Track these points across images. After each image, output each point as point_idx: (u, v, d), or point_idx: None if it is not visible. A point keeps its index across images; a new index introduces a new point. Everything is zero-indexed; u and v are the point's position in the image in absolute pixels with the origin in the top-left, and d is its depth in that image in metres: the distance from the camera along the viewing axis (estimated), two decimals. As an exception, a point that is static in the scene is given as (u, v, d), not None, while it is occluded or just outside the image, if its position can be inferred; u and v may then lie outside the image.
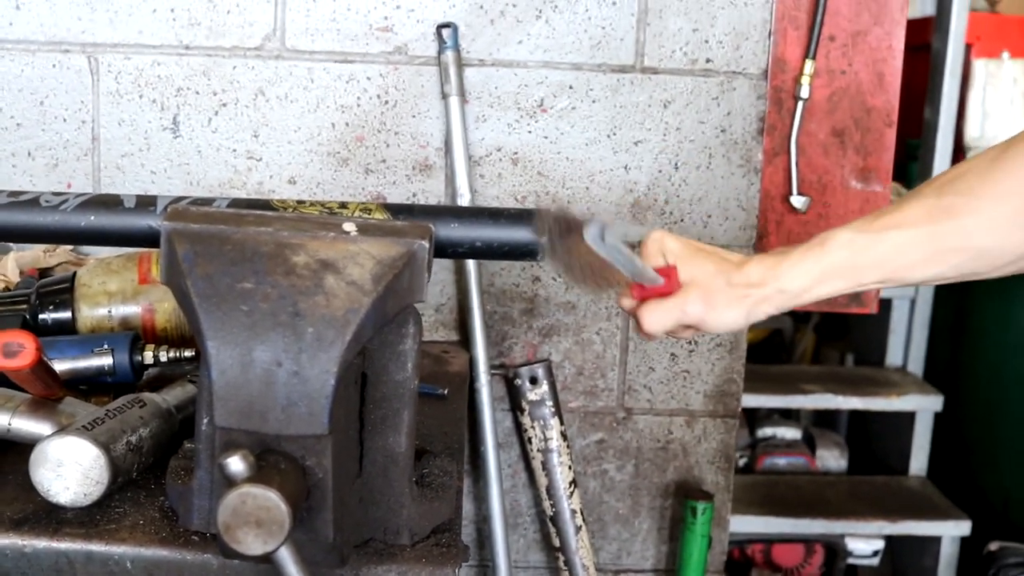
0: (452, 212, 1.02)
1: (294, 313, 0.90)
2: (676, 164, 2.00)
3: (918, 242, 1.14)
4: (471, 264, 1.96)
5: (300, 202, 1.03)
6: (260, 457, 0.88)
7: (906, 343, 3.37)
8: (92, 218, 1.03)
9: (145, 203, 1.04)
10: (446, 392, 1.62)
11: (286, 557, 0.87)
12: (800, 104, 2.04)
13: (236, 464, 0.84)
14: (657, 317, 1.21)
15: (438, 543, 1.08)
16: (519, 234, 1.01)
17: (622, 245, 1.16)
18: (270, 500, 0.83)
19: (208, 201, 1.04)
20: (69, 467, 1.08)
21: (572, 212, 1.11)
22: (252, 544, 0.84)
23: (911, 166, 3.75)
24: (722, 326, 1.22)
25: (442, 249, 1.01)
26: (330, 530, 0.93)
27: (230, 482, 0.84)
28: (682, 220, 2.02)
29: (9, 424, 1.19)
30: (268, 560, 0.88)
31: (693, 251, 1.24)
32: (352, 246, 0.94)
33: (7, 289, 1.73)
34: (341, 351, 0.89)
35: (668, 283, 1.21)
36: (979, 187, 1.13)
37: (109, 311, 1.56)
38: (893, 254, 1.15)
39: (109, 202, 1.04)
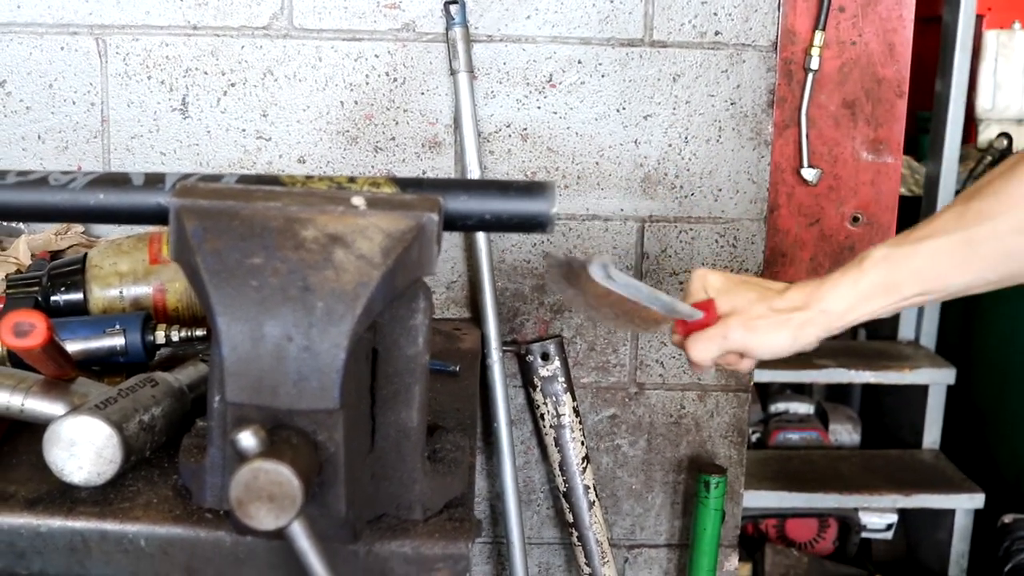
0: (461, 185, 1.01)
1: (304, 288, 0.90)
2: (686, 138, 2.00)
3: (952, 248, 1.16)
4: (481, 241, 1.96)
5: (309, 177, 1.02)
6: (272, 432, 0.88)
7: (918, 317, 3.36)
8: (101, 196, 1.03)
9: (154, 180, 1.03)
10: (458, 369, 1.62)
11: (299, 532, 0.87)
12: (810, 76, 2.03)
13: (248, 439, 0.84)
14: (701, 347, 1.25)
15: (451, 518, 1.08)
16: (528, 206, 1.00)
17: (634, 280, 1.19)
18: (282, 475, 0.83)
19: (217, 177, 1.04)
20: (82, 446, 1.08)
21: (574, 257, 1.15)
22: (264, 519, 0.85)
23: (922, 139, 3.73)
24: (768, 350, 1.24)
25: (451, 222, 1.00)
26: (342, 505, 0.94)
27: (242, 457, 0.84)
28: (692, 194, 2.01)
29: (22, 404, 1.19)
30: (281, 535, 0.88)
31: (735, 284, 1.28)
32: (361, 220, 0.94)
33: (19, 271, 1.73)
34: (351, 325, 0.89)
35: (707, 316, 1.25)
36: (1003, 190, 1.15)
37: (120, 292, 1.56)
38: (930, 263, 1.17)
39: (118, 180, 1.04)
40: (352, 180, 1.03)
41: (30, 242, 1.85)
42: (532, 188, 1.01)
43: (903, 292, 1.19)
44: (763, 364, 3.03)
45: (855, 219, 2.10)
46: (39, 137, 1.99)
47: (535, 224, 1.01)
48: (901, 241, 1.20)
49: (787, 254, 2.10)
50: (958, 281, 1.19)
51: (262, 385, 0.90)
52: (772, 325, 1.22)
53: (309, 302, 0.89)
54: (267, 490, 0.84)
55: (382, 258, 0.92)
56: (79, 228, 1.94)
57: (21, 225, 1.99)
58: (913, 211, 3.38)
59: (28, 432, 1.20)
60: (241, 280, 0.90)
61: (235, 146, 1.99)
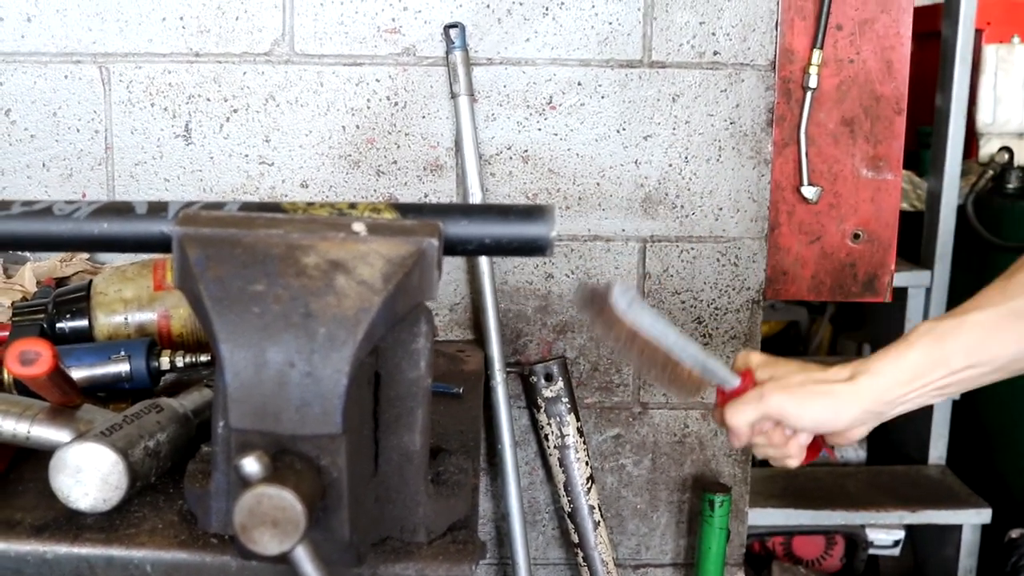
0: (461, 210, 1.02)
1: (306, 314, 0.90)
2: (686, 157, 2.01)
3: (998, 319, 1.17)
4: (484, 263, 1.96)
5: (310, 204, 1.03)
6: (275, 458, 0.89)
7: (923, 332, 3.34)
8: (105, 225, 1.04)
9: (157, 209, 1.04)
10: (461, 391, 1.63)
11: (303, 556, 0.87)
12: (809, 94, 2.04)
13: (251, 465, 0.85)
14: (738, 411, 1.21)
15: (455, 540, 1.08)
16: (528, 230, 1.01)
17: (662, 320, 1.18)
18: (285, 500, 0.84)
19: (219, 205, 1.04)
20: (88, 473, 1.09)
21: (600, 285, 1.14)
22: (268, 544, 0.85)
23: (924, 153, 3.73)
24: (810, 419, 1.20)
25: (452, 247, 1.01)
26: (346, 529, 0.94)
27: (245, 483, 0.85)
28: (693, 214, 2.02)
29: (28, 432, 1.20)
30: (285, 560, 0.88)
31: (777, 360, 1.25)
32: (362, 246, 0.94)
33: (24, 299, 1.74)
34: (353, 350, 0.90)
35: (744, 382, 1.23)
36: None
37: (125, 318, 1.57)
38: (976, 334, 1.17)
39: (121, 209, 1.05)
40: (353, 206, 1.03)
41: (35, 269, 1.86)
42: (532, 212, 1.02)
43: (951, 365, 1.16)
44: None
45: (856, 236, 2.11)
46: (44, 165, 2.00)
47: (535, 248, 1.01)
48: (947, 316, 1.19)
49: (788, 272, 2.11)
50: (1006, 352, 1.18)
51: (265, 411, 0.90)
52: (812, 393, 1.18)
53: (311, 328, 0.90)
54: (271, 515, 0.84)
55: (383, 283, 0.92)
56: (84, 255, 1.96)
57: (27, 253, 2.00)
58: (915, 226, 3.39)
59: (34, 459, 1.21)
60: (244, 307, 0.91)
61: (238, 171, 2.00)
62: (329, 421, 0.90)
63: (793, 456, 1.26)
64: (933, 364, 1.16)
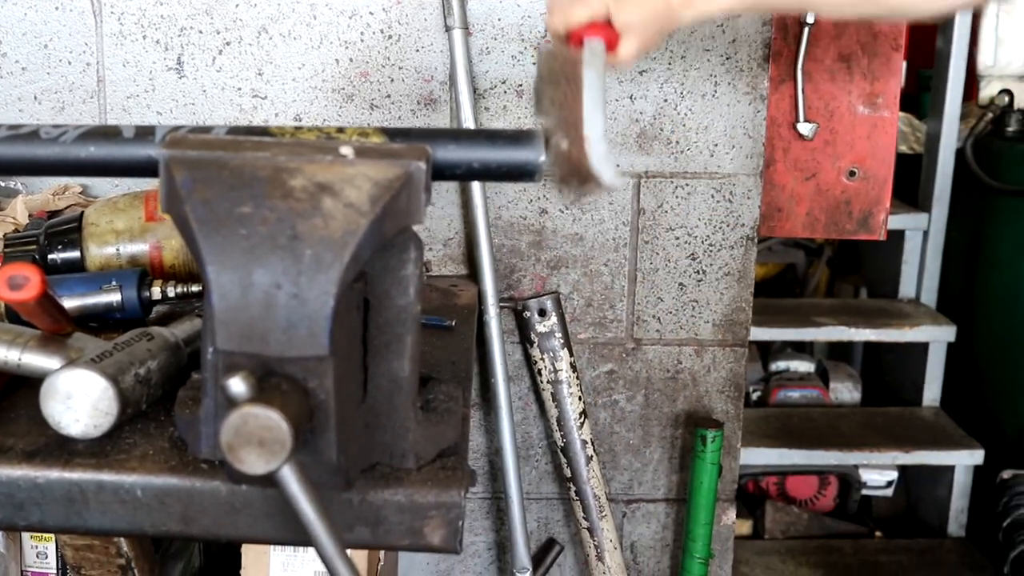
0: (449, 134, 1.01)
1: (292, 236, 0.90)
2: (682, 93, 1.99)
3: None
4: (478, 197, 1.96)
5: (298, 127, 1.03)
6: (262, 379, 0.89)
7: (919, 274, 3.35)
8: (92, 149, 1.03)
9: (144, 133, 1.04)
10: (454, 324, 1.63)
11: (289, 476, 0.88)
12: (806, 29, 2.03)
13: (237, 385, 0.85)
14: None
15: (444, 466, 1.08)
16: (517, 154, 1.00)
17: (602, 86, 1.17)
18: (271, 419, 0.84)
19: (207, 129, 1.04)
20: (78, 399, 1.09)
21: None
22: (255, 464, 0.86)
23: (923, 97, 3.72)
24: (635, 15, 1.26)
25: (440, 171, 1.01)
26: (333, 451, 0.95)
27: (232, 403, 0.85)
28: (688, 150, 2.01)
29: (20, 359, 1.20)
30: (272, 481, 0.89)
31: None
32: (349, 169, 0.94)
33: (16, 231, 1.74)
34: (340, 272, 0.90)
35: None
36: None
37: (117, 249, 1.57)
38: None
39: (108, 133, 1.04)
40: (341, 130, 1.03)
41: (28, 202, 1.85)
42: (520, 137, 1.01)
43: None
44: (762, 322, 3.05)
45: (851, 173, 2.10)
46: (35, 98, 1.99)
47: (524, 172, 1.01)
48: None
49: (783, 209, 2.11)
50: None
51: (252, 333, 0.90)
52: None
53: (297, 250, 0.90)
54: (257, 435, 0.84)
55: (370, 206, 0.92)
56: (77, 188, 1.95)
57: (19, 185, 1.99)
58: (914, 169, 3.38)
59: (26, 387, 1.21)
60: (230, 229, 0.91)
61: (231, 105, 1.99)
62: (316, 343, 0.90)
63: (623, 56, 1.30)
64: None
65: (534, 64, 1.97)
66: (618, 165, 2.02)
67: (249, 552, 1.72)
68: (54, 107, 1.99)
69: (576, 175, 1.14)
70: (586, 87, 1.14)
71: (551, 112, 1.22)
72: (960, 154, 3.23)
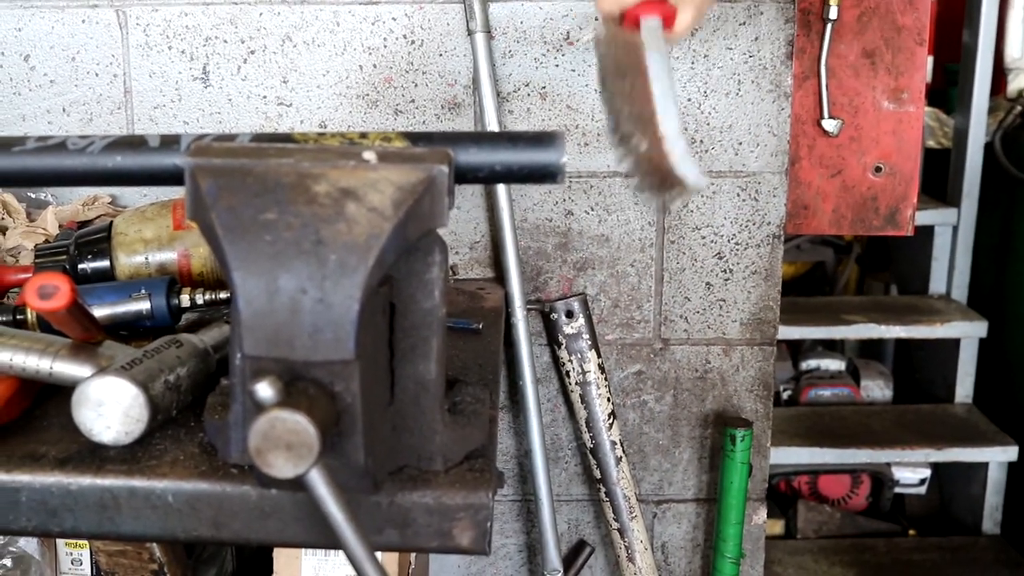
0: (471, 137, 1.02)
1: (317, 241, 0.91)
2: (705, 92, 1.99)
3: None
4: (503, 200, 1.96)
5: (321, 133, 1.03)
6: (289, 384, 0.90)
7: (949, 270, 3.33)
8: (118, 159, 1.04)
9: (169, 142, 1.05)
10: (481, 326, 1.63)
11: (318, 480, 0.88)
12: (829, 26, 2.02)
13: (265, 390, 0.86)
14: None
15: (472, 468, 1.09)
16: (538, 156, 1.01)
17: (668, 68, 1.13)
18: (299, 423, 0.85)
19: (231, 137, 1.05)
20: (110, 406, 1.10)
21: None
22: (283, 467, 0.86)
23: (951, 91, 3.69)
24: None
25: (462, 175, 1.01)
26: (361, 455, 0.95)
27: (259, 408, 0.86)
28: (713, 149, 2.01)
29: (51, 368, 1.21)
30: (302, 486, 0.89)
31: None
32: (372, 173, 0.95)
33: (47, 242, 1.76)
34: (364, 276, 0.90)
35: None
36: None
37: (146, 258, 1.58)
38: None
39: (134, 143, 1.05)
40: (364, 136, 1.04)
41: (58, 213, 1.87)
42: (542, 138, 1.01)
43: None
44: (792, 321, 3.04)
45: (877, 169, 2.09)
46: (64, 110, 2.01)
47: (546, 174, 1.01)
48: None
49: (809, 206, 2.10)
50: None
51: (278, 338, 0.91)
52: None
53: (322, 255, 0.91)
54: (284, 439, 0.85)
55: (393, 210, 0.93)
56: (106, 199, 1.97)
57: (49, 197, 2.02)
58: (943, 164, 3.36)
59: (59, 396, 1.22)
60: (255, 235, 0.92)
61: (256, 113, 2.00)
62: (341, 347, 0.91)
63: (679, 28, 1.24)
64: None
65: (557, 66, 1.97)
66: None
67: (281, 556, 1.73)
68: (82, 119, 2.01)
69: (658, 178, 1.11)
70: (652, 75, 1.11)
71: (622, 108, 1.18)
72: (989, 148, 3.21)
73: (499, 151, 1.01)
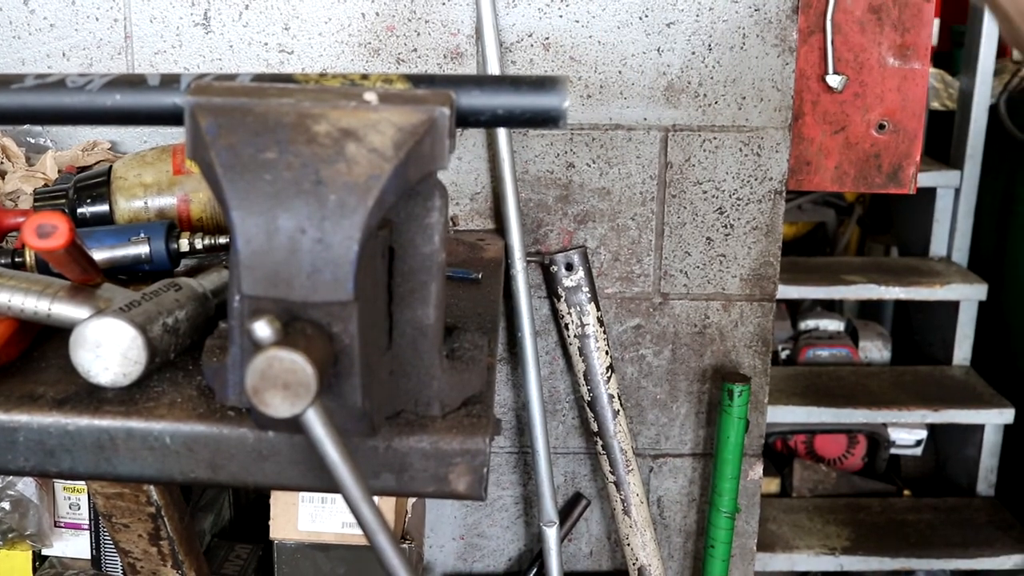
0: (473, 80, 1.01)
1: (316, 181, 0.90)
2: (709, 45, 1.98)
3: None
4: (504, 151, 1.95)
5: (322, 74, 1.03)
6: (287, 324, 0.90)
7: (950, 232, 3.33)
8: (118, 97, 1.03)
9: (169, 81, 1.04)
10: (480, 276, 1.63)
11: (314, 420, 0.88)
12: (836, -20, 2.00)
13: (262, 329, 0.86)
14: None
15: (469, 414, 1.09)
16: (541, 100, 1.00)
17: None
18: (296, 362, 0.85)
19: (232, 77, 1.04)
20: (108, 348, 1.10)
21: None
22: (280, 407, 0.86)
23: (956, 53, 3.67)
24: None
25: (464, 118, 1.00)
26: (358, 396, 0.95)
27: (257, 347, 0.86)
28: (716, 103, 2.00)
29: (49, 309, 1.21)
30: (298, 426, 0.89)
31: None
32: (373, 114, 0.94)
33: (46, 186, 1.75)
34: (364, 217, 0.90)
35: None
36: None
37: (145, 203, 1.58)
38: None
39: (134, 81, 1.04)
40: (365, 77, 1.03)
41: (57, 158, 1.86)
42: (544, 82, 1.01)
43: None
44: (791, 280, 3.03)
45: (881, 126, 2.08)
46: (64, 55, 2.00)
47: (548, 118, 1.00)
48: None
49: (812, 162, 2.09)
50: None
51: (277, 278, 0.91)
52: None
53: (322, 195, 0.90)
54: (281, 378, 0.85)
55: (394, 151, 0.92)
56: (105, 144, 1.96)
57: (48, 141, 2.01)
58: (947, 126, 3.34)
59: (57, 337, 1.22)
60: (255, 174, 0.91)
61: (258, 60, 1.99)
62: (340, 288, 0.90)
63: None
64: None
65: (561, 17, 1.95)
66: (645, 119, 2.01)
67: (278, 503, 1.74)
68: (82, 63, 2.00)
69: None
70: None
71: None
72: (993, 110, 3.19)
73: (501, 94, 1.00)
